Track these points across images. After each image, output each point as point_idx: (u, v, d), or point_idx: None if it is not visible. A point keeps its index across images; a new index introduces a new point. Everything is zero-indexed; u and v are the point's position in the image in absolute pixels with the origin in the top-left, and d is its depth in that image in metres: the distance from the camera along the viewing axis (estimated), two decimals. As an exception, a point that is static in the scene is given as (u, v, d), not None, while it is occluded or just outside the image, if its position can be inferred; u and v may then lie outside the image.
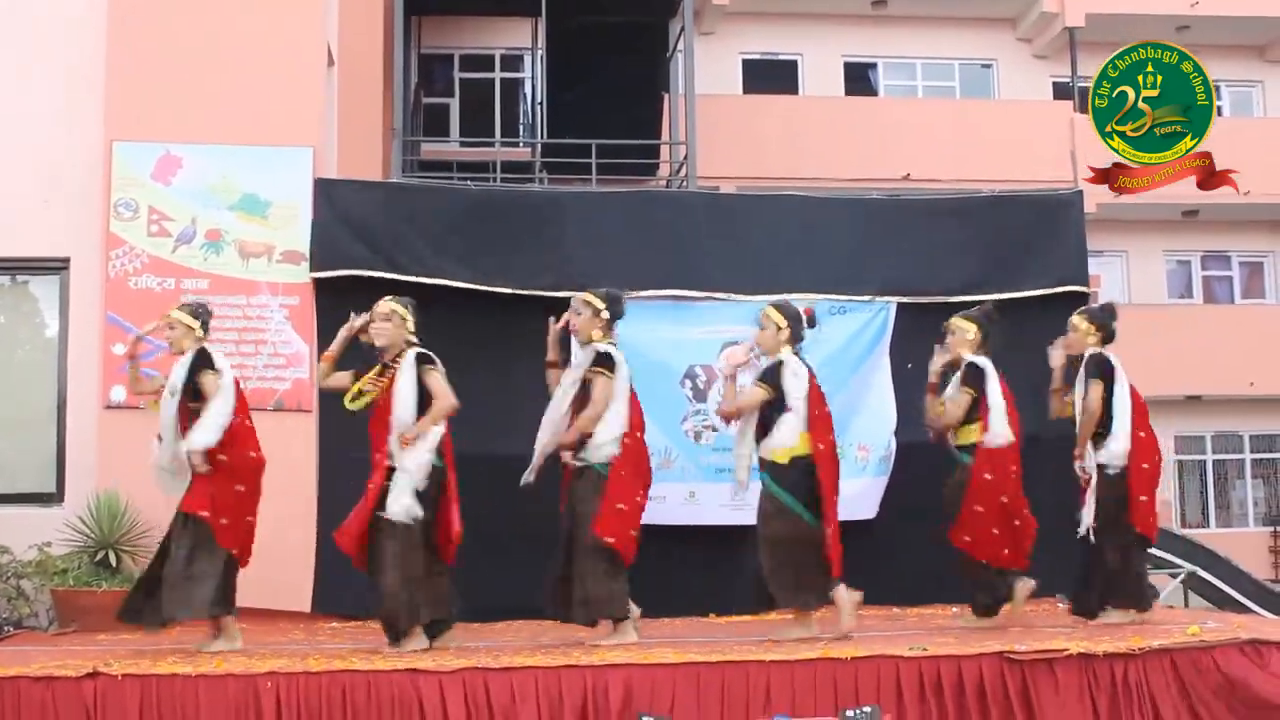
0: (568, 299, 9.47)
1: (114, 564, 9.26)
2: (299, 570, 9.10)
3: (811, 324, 8.03)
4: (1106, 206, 18.55)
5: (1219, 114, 24.29)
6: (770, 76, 23.54)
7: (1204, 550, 15.23)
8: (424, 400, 7.39)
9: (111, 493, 9.46)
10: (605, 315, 7.96)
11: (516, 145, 20.72)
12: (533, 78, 20.58)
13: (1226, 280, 25.27)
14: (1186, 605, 14.19)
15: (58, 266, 10.43)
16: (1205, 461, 24.28)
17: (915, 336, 9.43)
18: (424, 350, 7.52)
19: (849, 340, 10.02)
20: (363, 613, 9.01)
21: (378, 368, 7.57)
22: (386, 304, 7.61)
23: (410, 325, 7.60)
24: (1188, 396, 23.11)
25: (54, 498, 10.18)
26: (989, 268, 10.20)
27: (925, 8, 23.31)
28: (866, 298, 10.08)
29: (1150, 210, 22.06)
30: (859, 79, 23.99)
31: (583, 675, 6.28)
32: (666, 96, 18.96)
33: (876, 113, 22.47)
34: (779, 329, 7.85)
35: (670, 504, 9.55)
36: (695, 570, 8.63)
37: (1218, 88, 24.54)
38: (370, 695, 6.16)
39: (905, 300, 10.01)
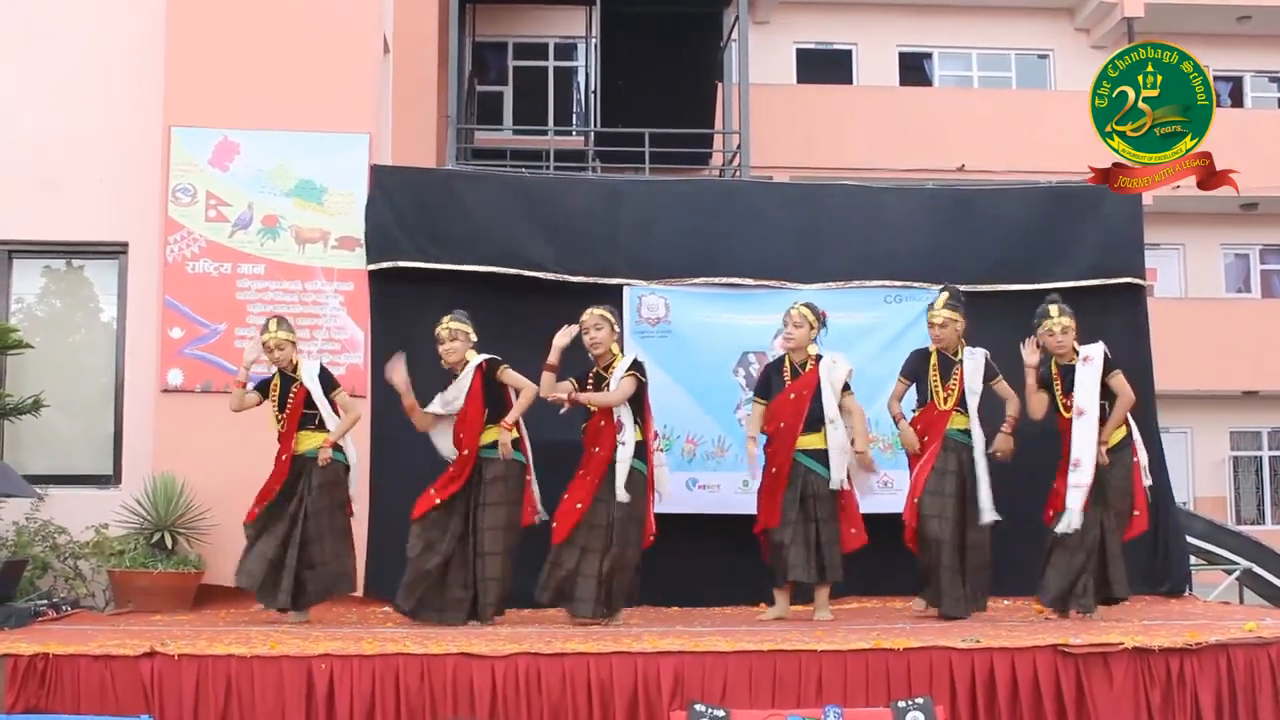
0: (619, 286, 9.54)
1: (170, 546, 9.34)
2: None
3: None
4: (1163, 199, 18.38)
5: (1279, 107, 24.19)
6: (824, 66, 23.41)
7: (1259, 547, 15.03)
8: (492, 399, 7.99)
9: (168, 475, 9.55)
10: (618, 329, 8.36)
11: (570, 134, 20.72)
12: (586, 66, 20.56)
13: (1286, 275, 24.96)
14: (1242, 602, 14.04)
15: (116, 251, 10.54)
16: (1261, 457, 23.98)
17: (973, 324, 9.36)
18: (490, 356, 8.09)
19: (906, 327, 9.95)
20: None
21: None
22: (448, 326, 8.08)
23: (473, 335, 8.13)
24: (1244, 392, 22.88)
25: (111, 480, 10.31)
26: (1046, 258, 10.14)
27: (981, -3, 23.15)
28: (923, 286, 10.01)
29: (1208, 203, 21.81)
30: (914, 69, 23.82)
31: (634, 662, 6.28)
32: (720, 86, 18.91)
33: (931, 103, 22.31)
34: (811, 326, 8.42)
35: (724, 493, 9.54)
36: (749, 559, 8.60)
37: (1277, 79, 24.45)
38: (423, 678, 6.18)
39: (962, 288, 9.90)
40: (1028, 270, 10.08)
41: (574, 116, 21.36)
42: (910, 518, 8.25)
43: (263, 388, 8.50)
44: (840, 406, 8.29)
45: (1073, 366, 8.19)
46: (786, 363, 8.48)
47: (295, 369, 8.40)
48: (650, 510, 8.11)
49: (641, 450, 8.02)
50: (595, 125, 18.36)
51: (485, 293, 9.51)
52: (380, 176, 10.04)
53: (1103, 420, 8.05)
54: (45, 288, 10.81)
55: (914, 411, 8.52)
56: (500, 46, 21.54)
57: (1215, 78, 23.31)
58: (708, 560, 9.14)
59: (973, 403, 8.30)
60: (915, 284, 10.00)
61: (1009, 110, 21.95)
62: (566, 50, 21.69)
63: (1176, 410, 20.14)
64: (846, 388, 8.36)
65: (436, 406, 8.07)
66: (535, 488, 8.12)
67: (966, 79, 23.92)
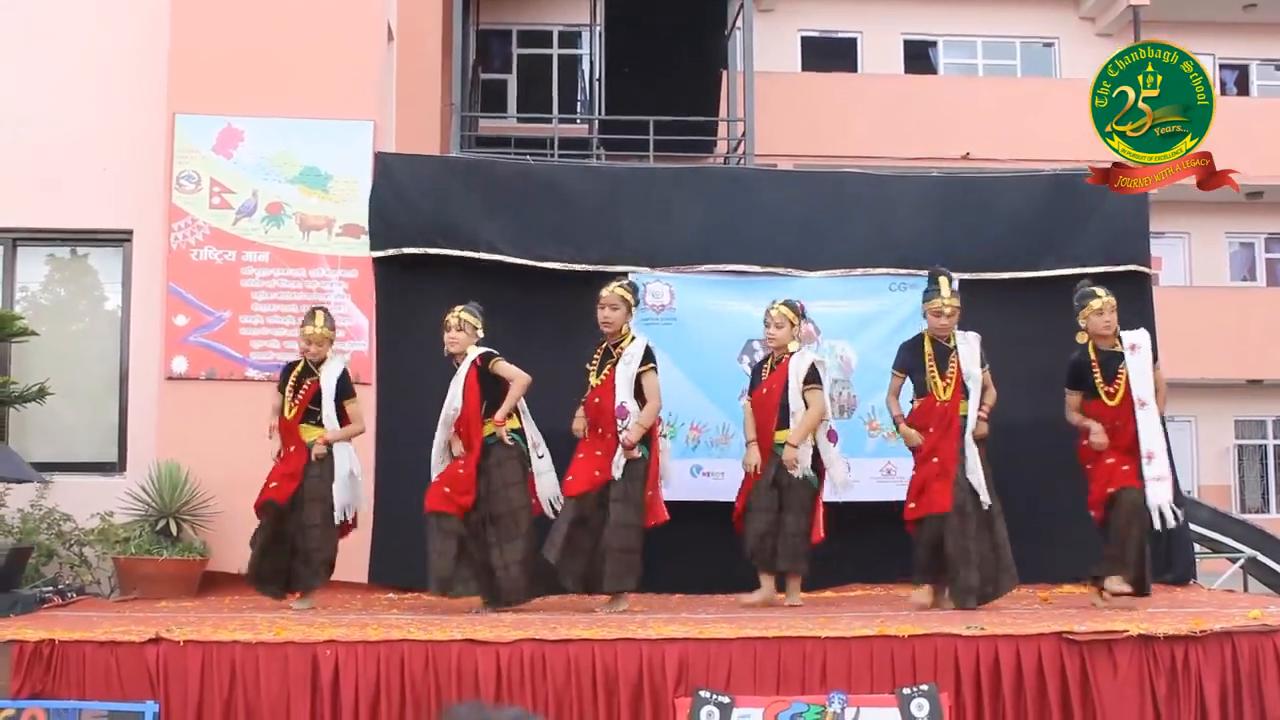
0: (624, 274, 9.51)
1: (174, 533, 9.36)
2: (356, 541, 9.14)
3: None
4: (1169, 188, 18.33)
5: (1287, 94, 24.16)
6: (829, 54, 23.38)
7: (1264, 535, 15.05)
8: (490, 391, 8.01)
9: (172, 463, 9.57)
10: (635, 306, 8.41)
11: (574, 121, 20.72)
12: (590, 54, 20.55)
13: (1290, 264, 24.95)
14: (1246, 590, 14.04)
15: (120, 239, 10.55)
16: (1266, 446, 23.99)
17: (977, 312, 9.35)
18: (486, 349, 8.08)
19: (910, 315, 9.88)
20: (418, 584, 9.10)
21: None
22: (458, 316, 8.10)
23: (481, 330, 8.14)
24: (1249, 380, 22.88)
25: (116, 467, 10.34)
26: (1050, 245, 10.10)
27: (987, -15, 23.11)
28: (927, 273, 9.97)
29: (1213, 192, 21.75)
30: (919, 57, 23.79)
31: (638, 649, 6.28)
32: (725, 74, 18.89)
33: (936, 91, 22.29)
34: (792, 325, 8.52)
35: (728, 480, 9.50)
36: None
37: (1285, 67, 24.43)
38: (428, 665, 6.19)
39: (967, 276, 9.89)
40: (1032, 258, 10.05)
41: (578, 104, 21.35)
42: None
43: (286, 370, 8.51)
44: (804, 400, 8.35)
45: (1115, 353, 8.16)
46: (769, 361, 8.68)
47: (320, 364, 8.34)
48: (659, 494, 8.15)
49: (645, 435, 8.06)
50: (599, 113, 18.37)
51: (489, 280, 9.48)
52: (385, 164, 10.01)
53: None
54: (50, 276, 10.82)
55: (911, 403, 8.51)
56: (504, 34, 21.53)
57: (1221, 66, 23.30)
58: (712, 547, 9.11)
59: (974, 389, 8.24)
60: (920, 272, 9.89)
61: (1014, 98, 21.93)
62: (571, 38, 21.68)
63: (1181, 399, 20.14)
64: (813, 380, 8.38)
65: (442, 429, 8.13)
66: (552, 478, 8.12)
67: (971, 67, 23.89)
